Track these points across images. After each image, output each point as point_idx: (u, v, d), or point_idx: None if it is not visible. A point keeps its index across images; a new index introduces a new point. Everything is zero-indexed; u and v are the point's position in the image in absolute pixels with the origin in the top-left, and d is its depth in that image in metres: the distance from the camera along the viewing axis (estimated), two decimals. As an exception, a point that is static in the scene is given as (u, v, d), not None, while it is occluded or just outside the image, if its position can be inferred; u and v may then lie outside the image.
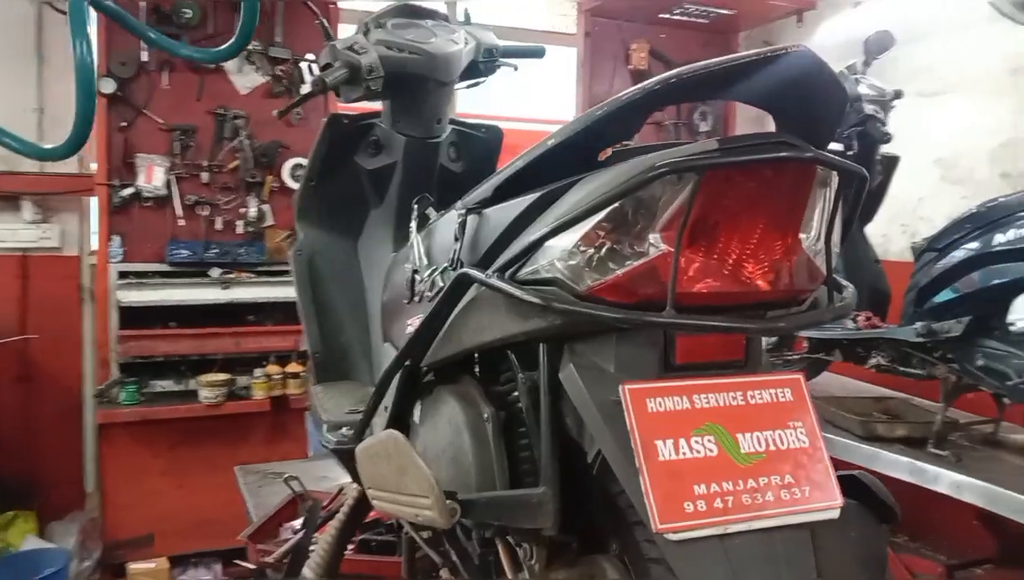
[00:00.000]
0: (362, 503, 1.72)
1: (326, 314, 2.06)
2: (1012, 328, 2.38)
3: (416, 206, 1.50)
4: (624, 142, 1.13)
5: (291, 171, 4.02)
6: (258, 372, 3.85)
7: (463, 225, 1.19)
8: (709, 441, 0.99)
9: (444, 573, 1.54)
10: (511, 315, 1.09)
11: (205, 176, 3.91)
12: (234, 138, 3.94)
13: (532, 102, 4.95)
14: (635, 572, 1.14)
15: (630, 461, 0.97)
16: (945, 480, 2.46)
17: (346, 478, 2.40)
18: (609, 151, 1.09)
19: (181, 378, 3.82)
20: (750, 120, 4.85)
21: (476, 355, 1.38)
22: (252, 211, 3.96)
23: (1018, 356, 2.49)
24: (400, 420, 1.43)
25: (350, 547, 2.04)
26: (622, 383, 0.98)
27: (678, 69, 0.96)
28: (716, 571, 0.94)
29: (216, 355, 3.82)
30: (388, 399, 1.44)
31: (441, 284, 1.28)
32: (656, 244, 0.97)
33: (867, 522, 1.16)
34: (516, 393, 1.25)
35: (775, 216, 1.01)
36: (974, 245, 2.63)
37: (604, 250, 0.99)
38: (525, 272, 1.05)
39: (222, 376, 3.76)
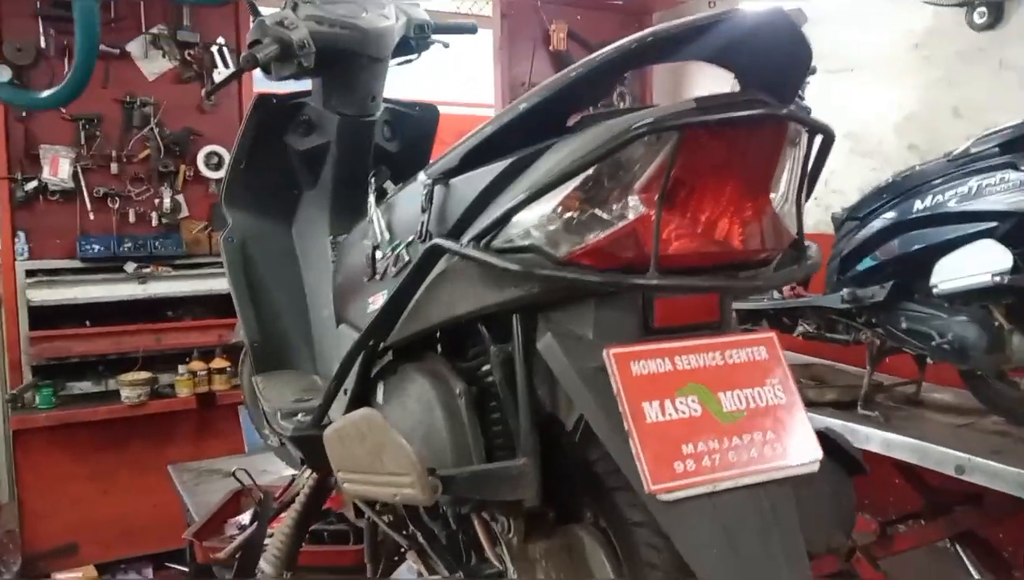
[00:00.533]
0: (319, 491, 1.67)
1: (262, 302, 1.99)
2: (935, 290, 2.48)
3: (373, 180, 1.46)
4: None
5: (205, 159, 3.87)
6: (181, 369, 3.72)
7: (430, 195, 1.16)
8: (693, 401, 0.99)
9: (410, 556, 1.51)
10: (485, 286, 1.07)
11: (114, 167, 3.73)
12: (143, 127, 3.77)
13: (445, 85, 4.90)
14: (616, 537, 1.14)
15: (616, 425, 0.96)
16: (876, 439, 2.56)
17: (288, 471, 2.34)
18: (577, 117, 1.08)
19: (100, 379, 3.65)
20: (667, 100, 4.92)
21: (439, 333, 1.36)
22: (166, 202, 3.80)
23: (940, 317, 2.60)
24: (361, 402, 1.39)
25: (300, 539, 1.99)
26: (606, 347, 0.97)
27: (653, 28, 0.96)
28: (708, 529, 0.94)
29: (136, 353, 3.66)
30: (348, 382, 1.40)
31: (407, 258, 1.24)
32: (635, 206, 0.96)
33: (838, 476, 1.19)
34: (485, 367, 1.23)
35: (747, 175, 1.02)
36: (893, 213, 2.73)
37: (582, 215, 0.98)
38: (499, 241, 1.03)
39: (143, 375, 3.61)
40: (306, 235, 2.02)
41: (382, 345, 1.30)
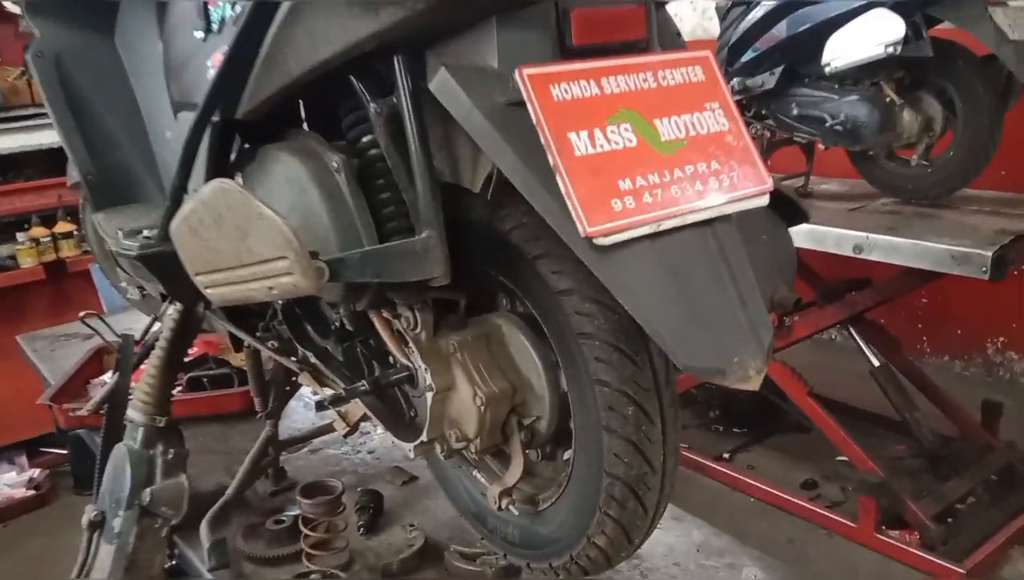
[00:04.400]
0: (185, 322, 1.45)
1: (92, 127, 1.68)
2: (827, 70, 2.39)
3: None
4: None
5: (11, -6, 3.32)
6: (21, 237, 3.33)
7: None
8: (626, 130, 0.82)
9: (303, 380, 1.33)
10: (354, 12, 0.84)
11: None
12: (-76, -46, 3.17)
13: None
14: (542, 314, 0.99)
15: (537, 166, 0.78)
16: (774, 229, 2.51)
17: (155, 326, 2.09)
18: None
19: (-77, 255, 3.22)
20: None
21: (304, 107, 1.13)
22: (-30, 47, 3.27)
23: (831, 99, 2.53)
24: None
25: (178, 389, 1.78)
26: (519, 68, 0.78)
27: None
28: (654, 275, 0.79)
29: (-36, 224, 3.23)
30: (196, 179, 1.15)
31: (248, -4, 0.98)
32: None
33: (777, 225, 1.07)
34: (366, 138, 1.01)
35: None
36: (781, -8, 2.59)
37: None
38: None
39: (-24, 247, 3.21)
40: (132, 43, 1.69)
41: (234, 119, 1.05)
